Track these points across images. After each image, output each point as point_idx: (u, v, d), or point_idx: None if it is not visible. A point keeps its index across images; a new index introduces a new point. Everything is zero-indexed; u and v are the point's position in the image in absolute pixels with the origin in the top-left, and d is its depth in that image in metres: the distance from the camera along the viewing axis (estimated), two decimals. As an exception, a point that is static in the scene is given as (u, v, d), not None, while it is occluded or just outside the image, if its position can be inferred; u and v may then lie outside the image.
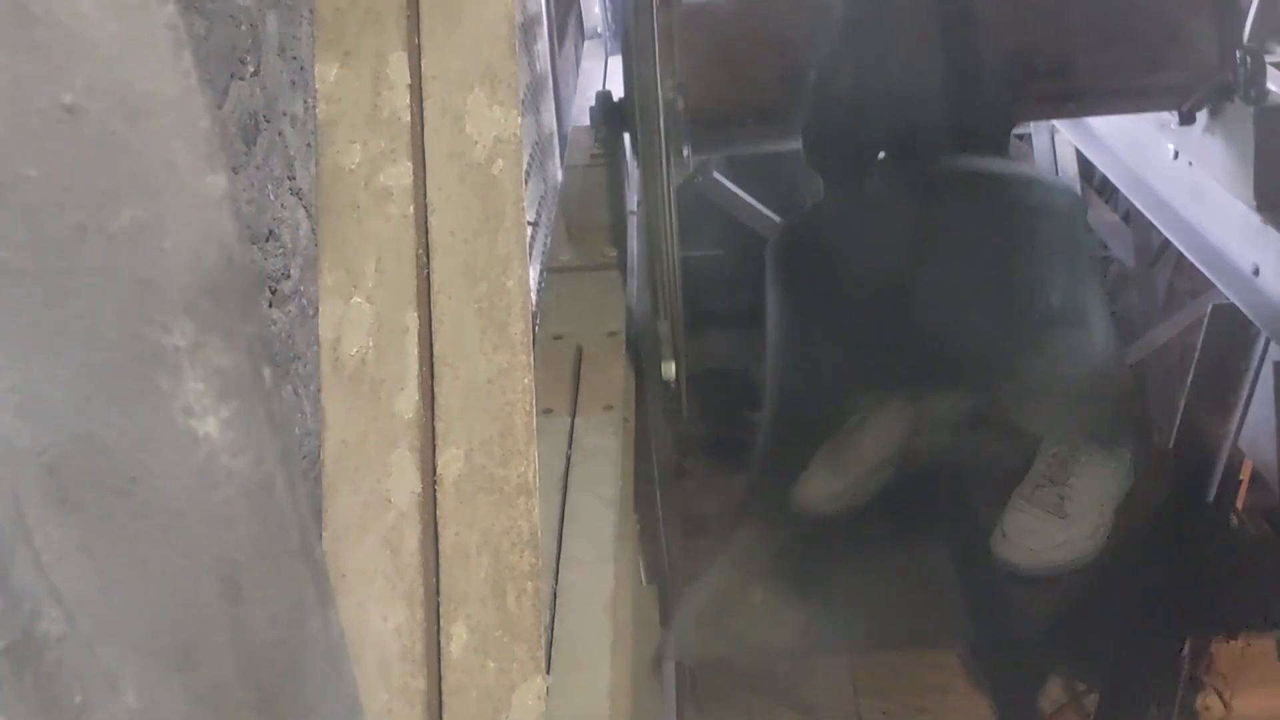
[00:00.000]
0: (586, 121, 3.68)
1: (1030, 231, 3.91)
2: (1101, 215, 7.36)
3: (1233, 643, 5.62)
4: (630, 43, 2.87)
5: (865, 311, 3.66)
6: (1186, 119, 3.23)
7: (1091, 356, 4.17)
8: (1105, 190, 7.42)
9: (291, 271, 2.34)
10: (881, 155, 3.73)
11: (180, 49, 0.62)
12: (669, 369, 2.82)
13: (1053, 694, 6.43)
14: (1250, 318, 3.19)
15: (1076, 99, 3.55)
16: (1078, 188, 6.40)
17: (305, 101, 2.46)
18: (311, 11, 1.46)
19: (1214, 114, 3.22)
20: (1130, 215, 7.20)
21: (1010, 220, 3.87)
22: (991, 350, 3.69)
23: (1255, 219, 3.01)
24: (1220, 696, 5.70)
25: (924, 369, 3.78)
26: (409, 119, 1.39)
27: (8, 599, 0.58)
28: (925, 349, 3.64)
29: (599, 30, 7.01)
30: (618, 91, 3.30)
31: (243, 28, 2.16)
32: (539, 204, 5.58)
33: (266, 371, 0.69)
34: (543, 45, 5.78)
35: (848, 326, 3.77)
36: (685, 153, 3.04)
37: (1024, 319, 3.81)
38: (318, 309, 1.39)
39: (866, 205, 3.84)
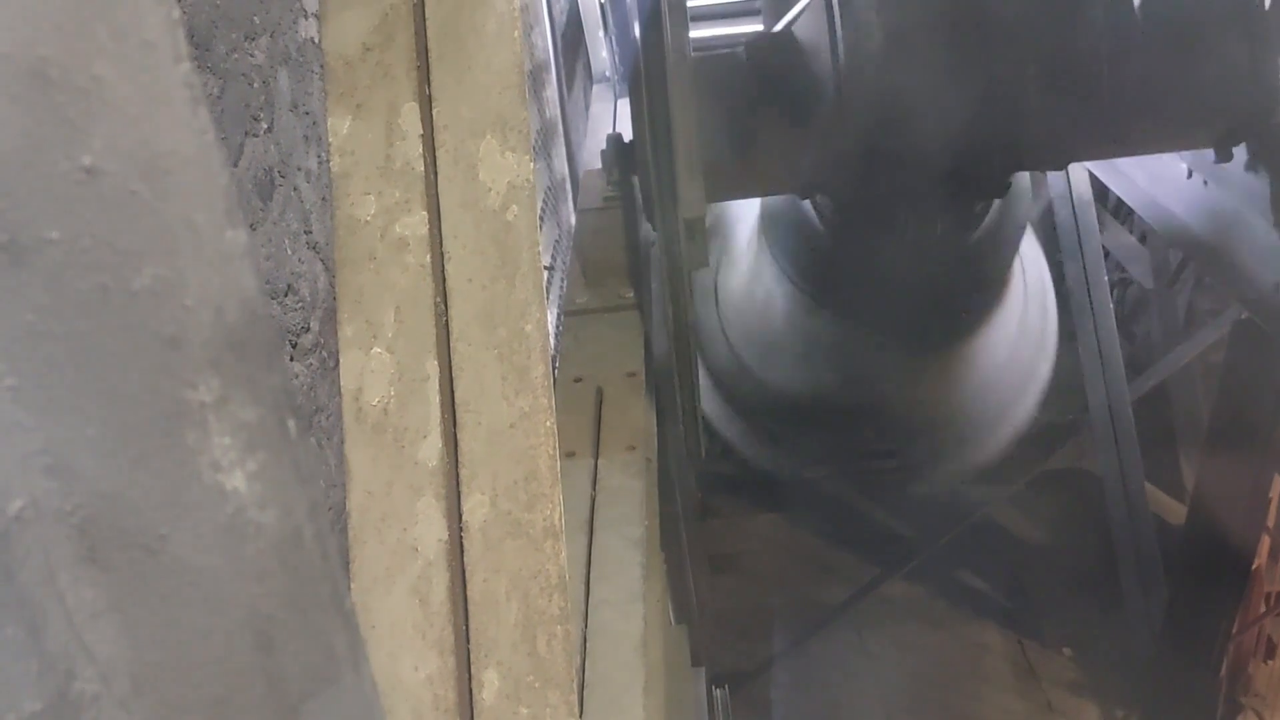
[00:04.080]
0: (598, 165, 3.69)
1: None
2: (1118, 237, 7.35)
3: (1271, 664, 5.56)
4: (640, 91, 2.88)
5: None
6: (1222, 156, 3.20)
7: None
8: (1121, 211, 7.42)
9: (311, 324, 2.35)
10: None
11: (197, 107, 0.62)
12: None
13: (1092, 719, 6.38)
14: (1273, 334, 3.17)
15: (1110, 146, 3.49)
16: (1093, 211, 6.39)
17: (319, 156, 2.48)
18: (322, 66, 1.47)
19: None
20: (1147, 236, 7.20)
21: None
22: None
23: (1273, 235, 3.00)
24: (1259, 717, 5.63)
25: None
26: (422, 168, 1.40)
27: (42, 660, 0.58)
28: None
29: (607, 74, 7.05)
30: (628, 134, 3.31)
31: (255, 85, 2.18)
32: (554, 248, 5.60)
33: (291, 424, 0.69)
34: (552, 91, 5.82)
35: None
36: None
37: None
38: (338, 361, 1.39)
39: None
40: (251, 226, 2.13)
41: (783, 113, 3.38)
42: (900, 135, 3.30)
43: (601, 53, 7.00)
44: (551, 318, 4.64)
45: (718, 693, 4.01)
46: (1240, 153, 3.20)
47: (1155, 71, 3.21)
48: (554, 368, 2.94)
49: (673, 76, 2.64)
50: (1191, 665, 5.07)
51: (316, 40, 2.49)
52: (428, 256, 1.39)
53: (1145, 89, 3.22)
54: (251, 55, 2.17)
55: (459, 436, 1.36)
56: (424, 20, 1.44)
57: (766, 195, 4.47)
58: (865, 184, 3.46)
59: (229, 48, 2.07)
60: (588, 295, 3.31)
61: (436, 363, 1.37)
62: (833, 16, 3.28)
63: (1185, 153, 3.50)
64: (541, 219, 4.94)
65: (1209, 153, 3.26)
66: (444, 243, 1.40)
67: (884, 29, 3.30)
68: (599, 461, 2.44)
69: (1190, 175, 3.47)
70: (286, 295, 2.24)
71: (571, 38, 6.61)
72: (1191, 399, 7.09)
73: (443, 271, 1.39)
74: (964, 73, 3.25)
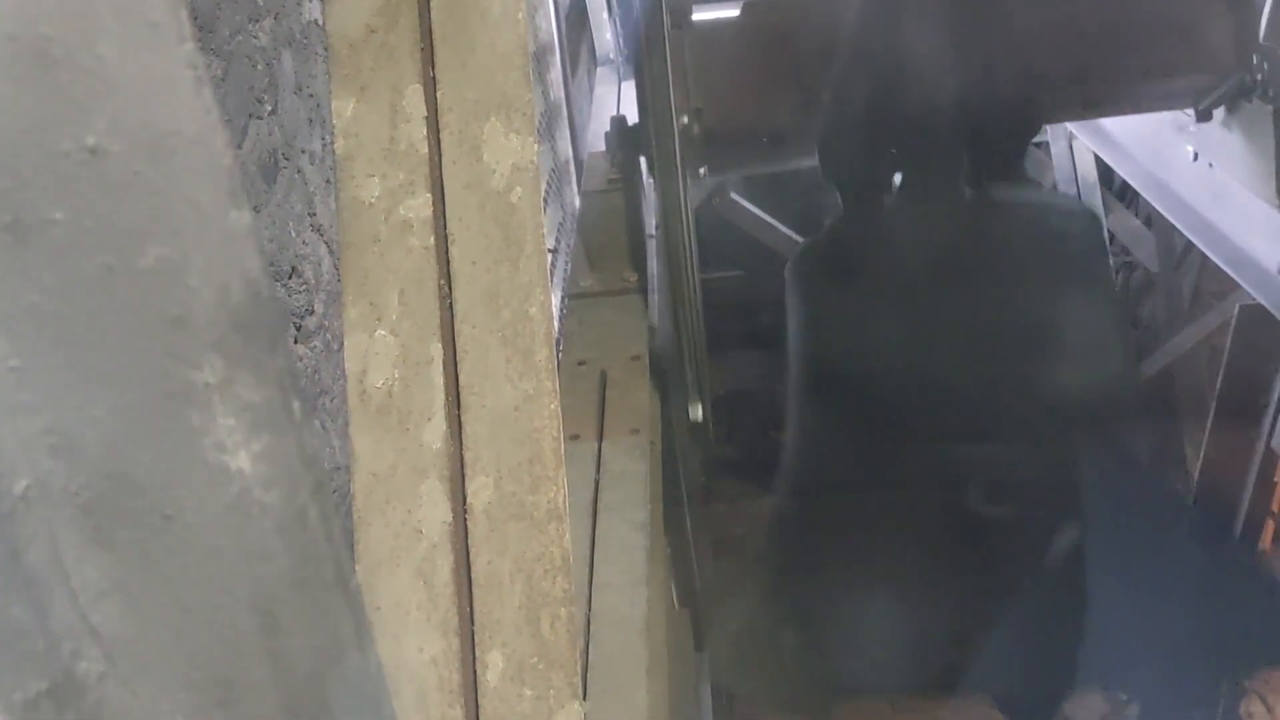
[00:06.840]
0: (602, 148, 3.69)
1: (1050, 263, 3.98)
2: (1123, 220, 7.33)
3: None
4: (644, 66, 2.88)
5: (884, 338, 3.70)
6: (1203, 116, 3.22)
7: (1110, 383, 4.25)
8: (1126, 195, 7.40)
9: (315, 307, 2.35)
10: (898, 177, 3.74)
11: (200, 87, 0.62)
12: (696, 410, 2.83)
13: (1094, 705, 6.38)
14: (1278, 318, 3.17)
15: (1093, 104, 3.55)
16: (1098, 195, 6.37)
17: (323, 138, 2.47)
18: (326, 48, 1.47)
19: (1232, 113, 3.21)
20: (1152, 219, 7.18)
21: (1029, 251, 3.92)
22: (1015, 390, 3.82)
23: (1279, 218, 2.99)
24: (1264, 701, 5.64)
25: (948, 409, 3.87)
26: (426, 150, 1.40)
27: (47, 640, 0.58)
28: (948, 387, 3.70)
29: (611, 57, 7.04)
30: (632, 116, 3.31)
31: (259, 67, 2.18)
32: (558, 231, 5.60)
33: (296, 405, 0.69)
34: (556, 73, 5.81)
35: (868, 352, 3.81)
36: (701, 171, 3.04)
37: (1046, 353, 3.92)
38: (342, 343, 1.39)
39: (884, 227, 3.84)
40: (255, 209, 2.13)
41: (792, 79, 3.39)
42: (895, 101, 3.36)
43: (606, 35, 6.99)
44: (555, 300, 4.64)
45: (721, 676, 4.02)
46: (1239, 132, 3.20)
47: (1139, 32, 3.25)
48: (558, 350, 2.95)
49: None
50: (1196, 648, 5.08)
51: (320, 22, 2.49)
52: (432, 239, 1.39)
53: (1129, 50, 3.27)
54: (255, 37, 2.17)
55: (463, 419, 1.36)
56: (428, 2, 1.43)
57: (776, 166, 4.50)
58: (872, 154, 3.52)
59: (233, 29, 2.06)
60: (592, 278, 3.31)
61: (440, 345, 1.37)
62: None
63: (1190, 136, 3.49)
64: (545, 201, 4.93)
65: (1213, 133, 3.26)
66: (448, 225, 1.39)
67: None
68: (603, 445, 2.44)
69: (1196, 158, 3.46)
70: (291, 278, 2.24)
71: (576, 20, 6.60)
72: (1197, 382, 7.08)
73: (447, 254, 1.39)
74: (954, 36, 3.31)
